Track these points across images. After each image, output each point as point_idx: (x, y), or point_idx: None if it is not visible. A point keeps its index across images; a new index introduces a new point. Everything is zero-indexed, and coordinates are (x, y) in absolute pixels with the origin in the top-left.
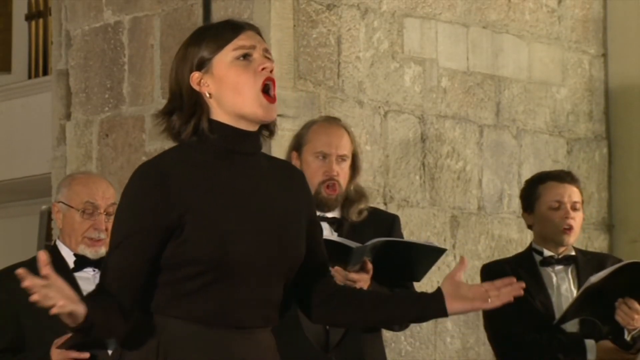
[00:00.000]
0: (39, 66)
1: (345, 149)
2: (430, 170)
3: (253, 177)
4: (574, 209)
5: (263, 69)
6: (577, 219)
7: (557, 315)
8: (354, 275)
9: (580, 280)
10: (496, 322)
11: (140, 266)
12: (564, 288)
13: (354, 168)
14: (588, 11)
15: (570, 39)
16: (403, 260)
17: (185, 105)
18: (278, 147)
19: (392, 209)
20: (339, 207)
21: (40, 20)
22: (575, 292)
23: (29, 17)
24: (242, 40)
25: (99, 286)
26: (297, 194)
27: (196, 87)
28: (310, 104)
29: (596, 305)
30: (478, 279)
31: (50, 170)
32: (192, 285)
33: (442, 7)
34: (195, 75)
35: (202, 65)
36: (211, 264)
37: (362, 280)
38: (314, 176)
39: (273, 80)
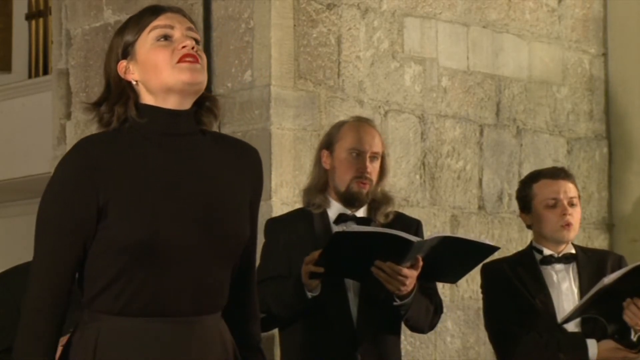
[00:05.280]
0: (39, 66)
1: (378, 147)
2: (430, 170)
3: (189, 158)
4: (571, 204)
5: (183, 46)
6: (575, 215)
7: (558, 313)
8: (406, 271)
9: (581, 278)
10: (496, 321)
11: (74, 254)
12: (565, 287)
13: (382, 170)
14: (588, 10)
15: (571, 38)
16: (449, 259)
17: (112, 95)
18: (278, 147)
19: None
20: (366, 208)
21: (41, 20)
22: (576, 291)
23: (29, 17)
24: (160, 21)
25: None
26: (244, 173)
27: (123, 76)
28: (310, 104)
29: (603, 304)
30: (478, 279)
31: (50, 170)
32: (119, 274)
33: (442, 6)
34: (122, 64)
35: (126, 53)
36: (136, 248)
37: (412, 277)
38: (347, 172)
39: (193, 55)
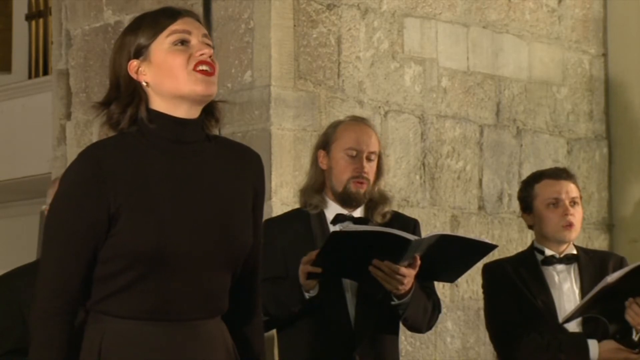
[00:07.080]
0: (39, 66)
1: (375, 146)
2: (430, 170)
3: (195, 165)
4: (573, 205)
5: (201, 54)
6: (576, 215)
7: (559, 314)
8: (404, 270)
9: (582, 279)
10: (497, 321)
11: (84, 261)
12: (566, 287)
13: (379, 169)
14: (588, 11)
15: (571, 38)
16: (446, 258)
17: (122, 95)
18: (278, 148)
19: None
20: (364, 208)
21: (41, 20)
22: (577, 291)
23: (29, 17)
24: (178, 26)
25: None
26: (247, 178)
27: (134, 76)
28: (310, 104)
29: (605, 304)
30: (478, 279)
31: (50, 170)
32: (127, 279)
33: (442, 6)
34: (134, 63)
35: (139, 53)
36: (145, 255)
37: (410, 277)
38: (344, 173)
39: (210, 63)
